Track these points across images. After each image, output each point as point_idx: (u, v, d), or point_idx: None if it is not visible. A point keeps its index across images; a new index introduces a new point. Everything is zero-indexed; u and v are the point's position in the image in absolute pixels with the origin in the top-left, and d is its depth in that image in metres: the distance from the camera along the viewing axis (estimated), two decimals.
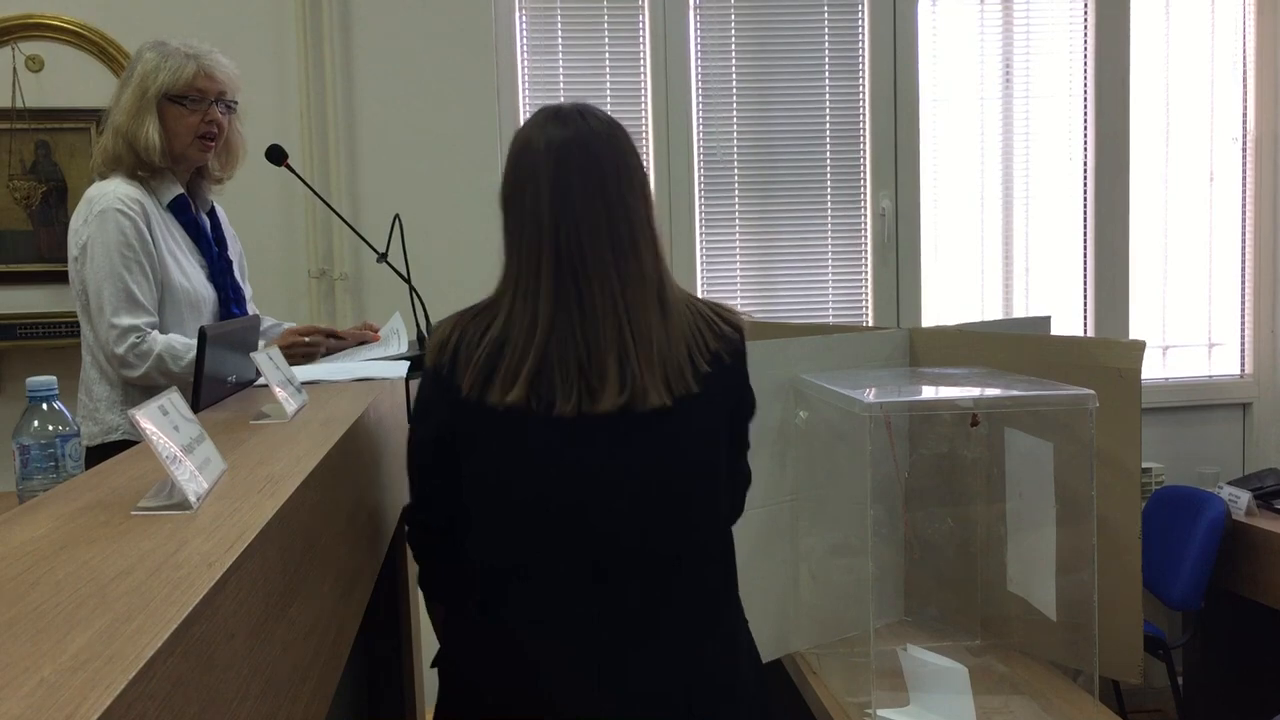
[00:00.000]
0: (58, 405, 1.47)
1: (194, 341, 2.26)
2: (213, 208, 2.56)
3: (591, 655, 1.54)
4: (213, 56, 2.42)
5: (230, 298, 2.48)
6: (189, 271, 2.40)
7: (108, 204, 2.30)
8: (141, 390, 2.31)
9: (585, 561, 1.54)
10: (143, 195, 2.35)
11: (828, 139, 3.79)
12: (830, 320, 3.80)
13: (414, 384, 2.44)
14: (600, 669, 1.53)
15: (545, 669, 1.54)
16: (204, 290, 2.42)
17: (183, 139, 2.39)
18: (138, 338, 2.27)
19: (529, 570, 1.56)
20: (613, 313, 1.51)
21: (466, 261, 3.42)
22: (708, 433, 1.58)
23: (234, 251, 2.60)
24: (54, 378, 1.48)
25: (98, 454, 2.11)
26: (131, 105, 2.36)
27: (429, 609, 1.83)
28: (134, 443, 2.14)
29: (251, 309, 2.60)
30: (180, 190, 2.44)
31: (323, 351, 2.52)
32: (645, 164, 3.51)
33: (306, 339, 2.50)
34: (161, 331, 2.32)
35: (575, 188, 1.54)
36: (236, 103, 2.48)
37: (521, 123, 3.56)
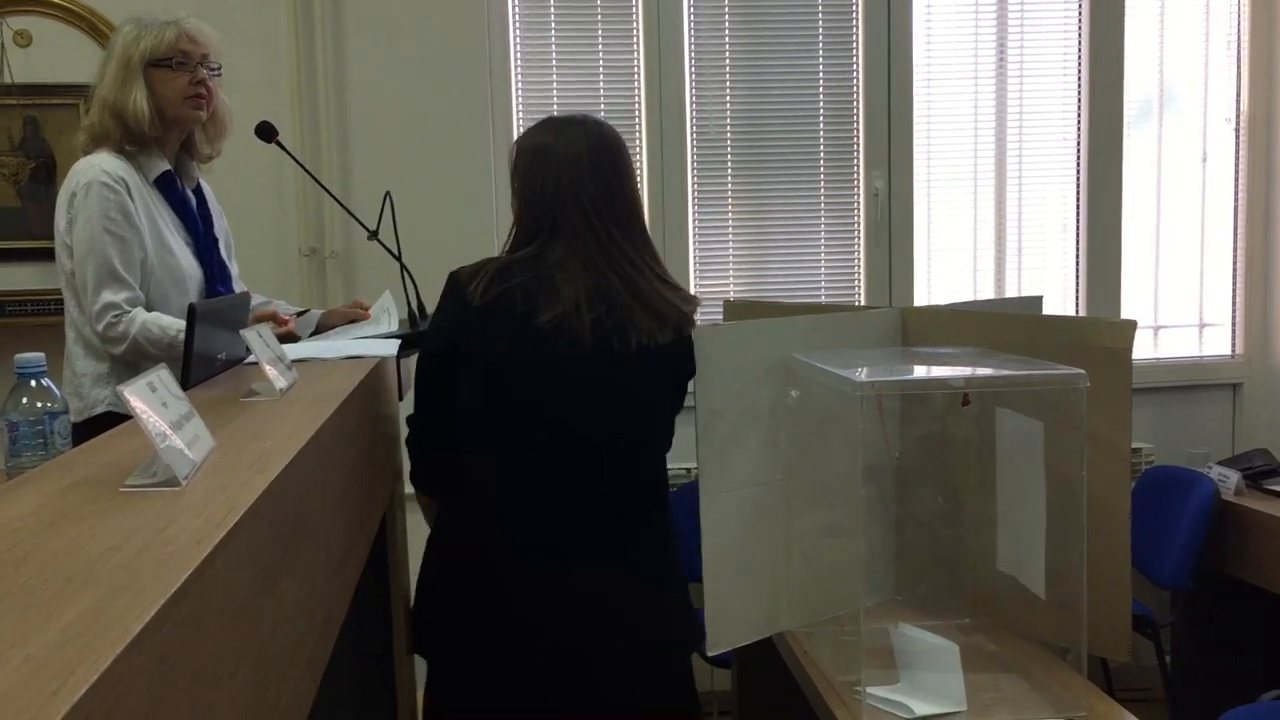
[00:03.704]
0: (46, 382, 1.47)
1: (176, 321, 2.26)
2: (199, 184, 2.55)
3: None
4: (192, 20, 2.41)
5: (216, 275, 2.46)
6: (174, 248, 2.39)
7: (92, 177, 2.29)
8: (126, 365, 2.31)
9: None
10: (128, 170, 2.33)
11: (821, 118, 3.78)
12: (823, 299, 3.80)
13: (405, 363, 2.44)
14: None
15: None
16: (189, 267, 2.41)
17: (174, 102, 2.37)
18: (115, 316, 2.26)
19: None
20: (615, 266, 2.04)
21: (457, 239, 3.41)
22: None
23: (220, 229, 2.58)
24: (42, 355, 1.47)
25: (83, 429, 2.10)
26: (117, 77, 2.34)
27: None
28: (119, 416, 2.14)
29: (238, 286, 2.58)
30: (167, 166, 2.42)
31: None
32: (638, 142, 3.53)
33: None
34: (147, 308, 2.31)
35: (588, 172, 2.03)
36: (220, 66, 2.46)
37: (513, 100, 3.57)
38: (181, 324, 2.23)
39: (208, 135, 2.51)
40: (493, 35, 3.57)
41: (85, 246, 2.27)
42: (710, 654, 2.02)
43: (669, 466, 2.23)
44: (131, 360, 2.29)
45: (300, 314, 2.56)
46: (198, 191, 2.53)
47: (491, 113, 3.55)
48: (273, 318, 2.31)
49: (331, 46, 3.46)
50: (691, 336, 1.97)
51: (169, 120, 2.39)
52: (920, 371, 2.10)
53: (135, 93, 2.33)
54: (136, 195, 2.32)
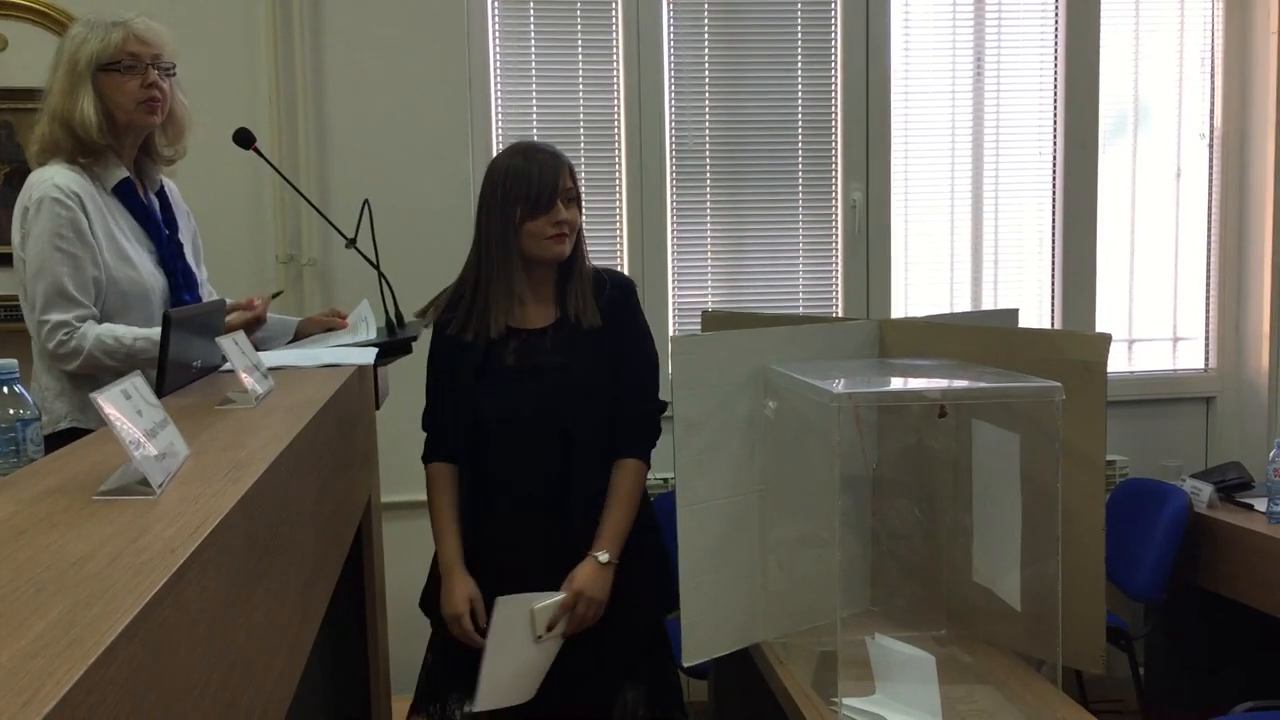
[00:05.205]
0: (18, 389, 1.45)
1: (131, 329, 2.20)
2: (162, 187, 2.47)
3: None
4: (141, 19, 2.32)
5: (181, 283, 2.39)
6: (135, 259, 2.31)
7: (44, 192, 2.21)
8: (88, 380, 2.24)
9: None
10: (82, 182, 2.26)
11: (799, 130, 3.80)
12: (800, 311, 3.81)
13: (382, 371, 2.43)
14: None
15: None
16: (151, 278, 2.34)
17: (125, 108, 2.28)
18: (65, 334, 2.19)
19: None
20: None
21: (436, 248, 3.40)
22: None
23: (186, 232, 2.51)
24: (15, 361, 1.46)
25: (47, 443, 2.07)
26: (64, 84, 2.26)
27: None
28: (83, 431, 2.11)
29: (206, 291, 2.53)
30: (125, 173, 2.34)
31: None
32: (618, 152, 3.53)
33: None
34: (110, 322, 2.26)
35: None
36: (174, 65, 2.37)
37: (492, 110, 3.57)
38: (137, 331, 2.20)
39: (167, 137, 2.42)
40: (472, 45, 3.57)
41: (36, 265, 2.20)
42: (686, 664, 2.02)
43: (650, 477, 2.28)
44: (89, 374, 2.22)
45: (275, 295, 2.51)
46: (161, 194, 2.46)
47: (470, 122, 3.54)
48: (248, 307, 2.28)
49: (310, 53, 3.45)
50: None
51: (121, 126, 2.31)
52: (897, 383, 2.12)
53: (82, 101, 2.24)
54: (91, 208, 2.25)
